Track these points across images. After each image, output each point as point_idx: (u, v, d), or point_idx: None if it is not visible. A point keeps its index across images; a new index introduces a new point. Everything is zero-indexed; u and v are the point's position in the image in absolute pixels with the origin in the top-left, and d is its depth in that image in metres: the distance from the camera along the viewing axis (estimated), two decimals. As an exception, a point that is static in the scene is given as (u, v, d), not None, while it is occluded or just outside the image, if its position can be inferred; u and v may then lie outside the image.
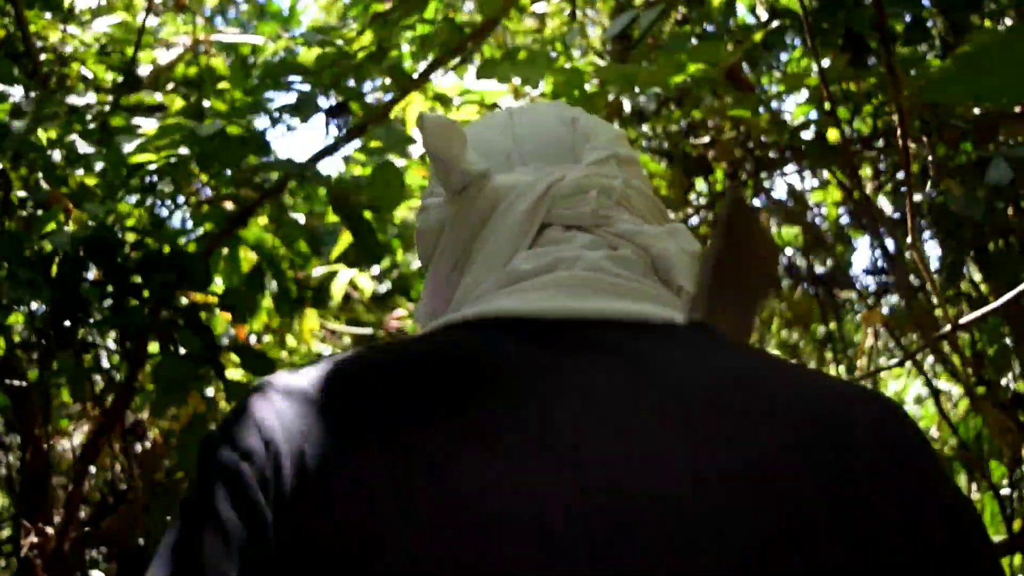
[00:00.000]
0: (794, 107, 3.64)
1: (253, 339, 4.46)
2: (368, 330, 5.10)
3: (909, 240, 2.36)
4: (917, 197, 3.95)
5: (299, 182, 2.48)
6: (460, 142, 0.92)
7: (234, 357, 2.73)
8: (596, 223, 0.92)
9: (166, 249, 2.37)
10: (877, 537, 0.73)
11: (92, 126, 2.47)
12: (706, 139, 3.27)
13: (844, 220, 4.68)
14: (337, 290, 4.49)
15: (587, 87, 3.10)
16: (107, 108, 2.92)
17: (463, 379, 0.77)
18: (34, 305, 2.79)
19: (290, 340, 4.62)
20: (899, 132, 2.77)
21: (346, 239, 3.50)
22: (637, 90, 3.18)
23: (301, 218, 2.88)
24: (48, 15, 3.59)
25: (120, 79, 3.42)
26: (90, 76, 3.59)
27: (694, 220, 4.31)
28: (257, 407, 0.77)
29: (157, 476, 3.18)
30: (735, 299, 0.99)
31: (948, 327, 2.98)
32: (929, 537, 0.75)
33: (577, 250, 0.89)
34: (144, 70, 3.84)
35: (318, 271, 4.61)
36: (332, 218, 3.69)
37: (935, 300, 3.44)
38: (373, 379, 0.77)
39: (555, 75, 2.97)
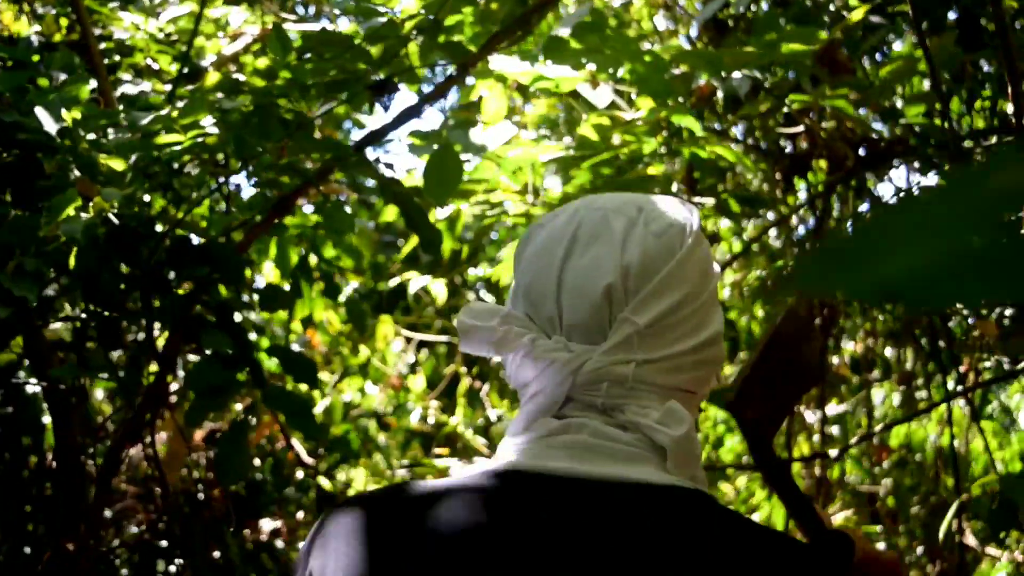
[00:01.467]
0: (902, 100, 3.34)
1: (319, 343, 4.29)
2: (443, 337, 4.91)
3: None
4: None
5: (343, 168, 2.26)
6: (496, 320, 1.14)
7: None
8: (606, 410, 1.10)
9: (197, 240, 2.18)
10: None
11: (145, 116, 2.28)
12: (800, 128, 2.98)
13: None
14: (437, 291, 4.31)
15: (674, 70, 2.85)
16: (163, 98, 2.76)
17: (484, 538, 1.03)
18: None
19: (364, 346, 4.45)
20: (1016, 123, 2.47)
21: (414, 240, 3.29)
22: (728, 75, 2.92)
23: (347, 207, 2.67)
24: (113, 4, 3.47)
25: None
26: (155, 67, 3.46)
27: (793, 220, 4.03)
28: (314, 554, 1.09)
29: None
30: (770, 395, 1.26)
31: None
32: None
33: (587, 422, 1.10)
34: (209, 61, 3.70)
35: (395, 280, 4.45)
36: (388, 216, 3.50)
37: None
38: (419, 525, 1.04)
39: (635, 61, 2.73)
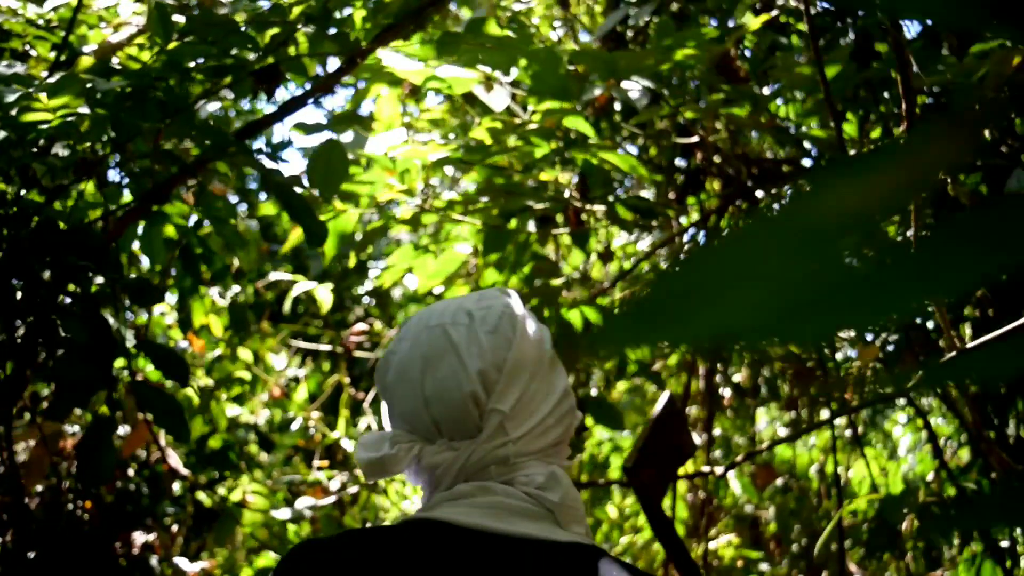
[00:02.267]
0: (795, 118, 3.35)
1: (199, 348, 4.15)
2: (326, 346, 4.79)
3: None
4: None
5: (222, 157, 2.17)
6: (395, 448, 1.31)
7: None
8: (501, 482, 1.28)
9: (62, 225, 2.06)
10: None
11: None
12: (695, 139, 2.96)
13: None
14: (323, 297, 4.19)
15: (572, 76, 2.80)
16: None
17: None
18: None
19: (244, 353, 4.32)
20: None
21: (297, 235, 3.19)
22: (626, 85, 2.89)
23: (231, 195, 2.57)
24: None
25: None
26: (34, 53, 3.31)
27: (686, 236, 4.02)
28: None
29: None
30: (658, 465, 1.65)
31: (952, 354, 2.66)
32: None
33: (494, 486, 1.28)
34: (91, 49, 3.56)
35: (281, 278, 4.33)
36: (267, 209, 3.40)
37: (941, 328, 3.14)
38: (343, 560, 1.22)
39: (530, 59, 2.68)
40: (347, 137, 2.89)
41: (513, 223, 2.82)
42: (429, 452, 1.30)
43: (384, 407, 1.39)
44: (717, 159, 3.05)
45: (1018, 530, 4.11)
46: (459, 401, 1.29)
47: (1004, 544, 3.90)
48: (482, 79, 2.89)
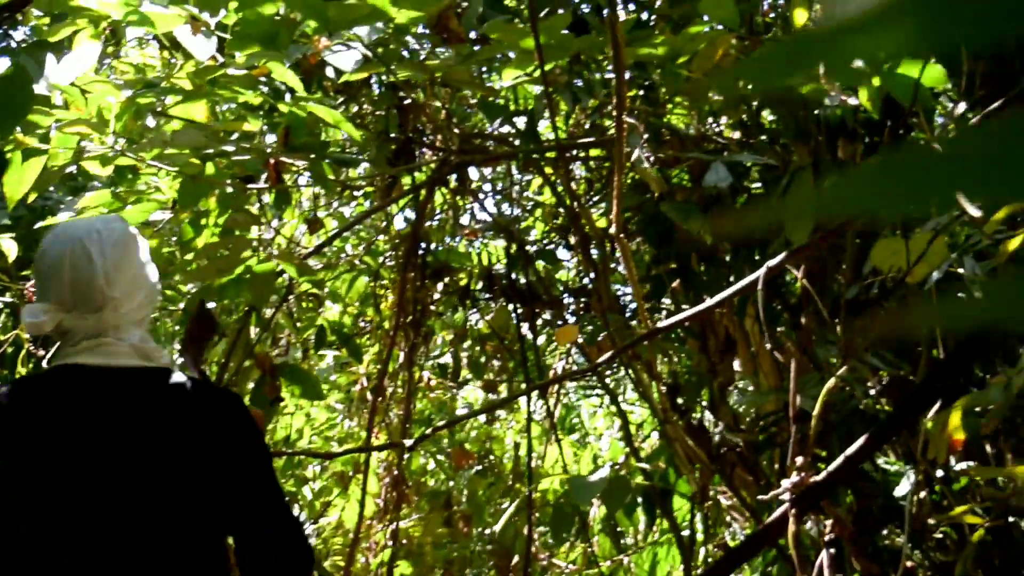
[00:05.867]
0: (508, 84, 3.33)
1: None
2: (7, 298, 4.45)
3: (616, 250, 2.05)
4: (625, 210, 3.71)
5: None
6: (47, 315, 1.91)
7: None
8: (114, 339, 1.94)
9: None
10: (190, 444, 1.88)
11: None
12: (408, 100, 2.88)
13: (555, 236, 4.45)
14: (7, 247, 3.84)
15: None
16: None
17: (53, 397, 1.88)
18: None
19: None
20: (616, 115, 2.47)
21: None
22: (340, 48, 2.77)
23: None
24: None
25: None
26: None
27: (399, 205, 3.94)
28: None
29: None
30: (195, 348, 2.79)
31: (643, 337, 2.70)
32: (218, 439, 1.90)
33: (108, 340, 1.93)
34: None
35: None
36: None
37: (638, 312, 3.19)
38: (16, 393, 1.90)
39: (239, 2, 2.54)
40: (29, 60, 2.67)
41: (211, 168, 2.66)
42: (68, 319, 1.90)
43: (40, 287, 1.95)
44: (430, 128, 2.98)
45: (699, 516, 4.25)
46: (90, 289, 1.89)
47: (685, 532, 4.03)
48: (187, 19, 2.72)
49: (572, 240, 4.04)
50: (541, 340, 4.61)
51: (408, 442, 2.91)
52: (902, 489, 2.78)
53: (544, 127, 3.85)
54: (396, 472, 4.43)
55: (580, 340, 3.87)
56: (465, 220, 4.42)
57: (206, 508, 1.88)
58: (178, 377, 1.95)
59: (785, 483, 2.21)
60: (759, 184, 3.36)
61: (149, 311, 2.03)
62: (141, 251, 2.01)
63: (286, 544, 1.89)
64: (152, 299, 2.02)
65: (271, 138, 3.06)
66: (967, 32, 0.39)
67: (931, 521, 2.81)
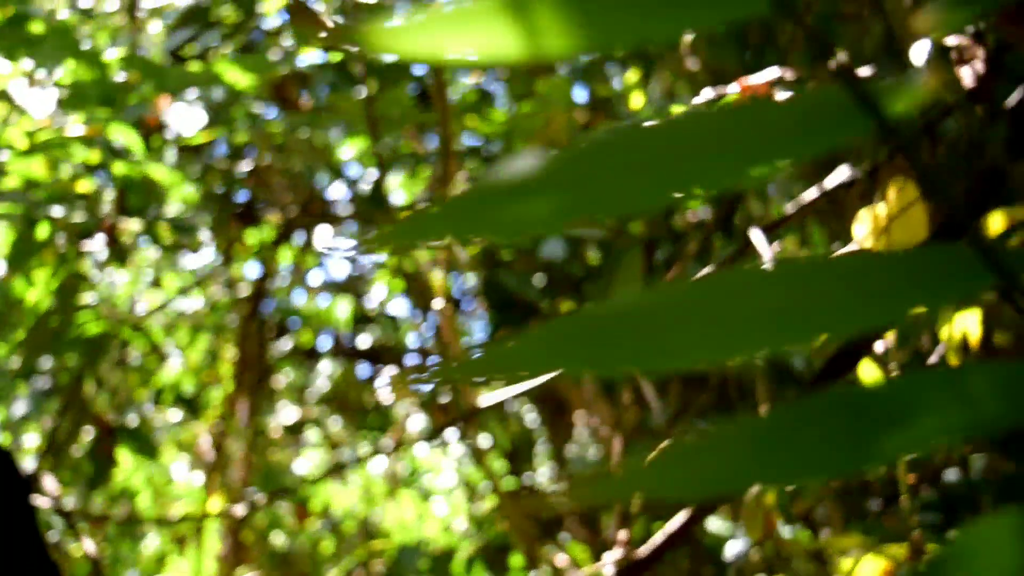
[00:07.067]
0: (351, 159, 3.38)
1: None
2: None
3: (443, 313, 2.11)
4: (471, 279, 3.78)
5: None
6: None
7: None
8: None
9: None
10: None
11: None
12: (247, 167, 2.90)
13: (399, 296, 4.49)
14: None
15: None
16: None
17: None
18: None
19: None
20: (441, 187, 2.54)
21: None
22: (182, 109, 2.79)
23: None
24: None
25: None
26: None
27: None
28: None
29: None
30: None
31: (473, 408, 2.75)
32: None
33: None
34: None
35: None
36: None
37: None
38: None
39: (77, 59, 2.54)
40: None
41: (44, 228, 2.64)
42: None
43: None
44: (269, 192, 3.01)
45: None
46: None
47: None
48: (23, 74, 2.72)
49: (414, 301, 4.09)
50: (386, 398, 4.63)
51: (240, 508, 2.91)
52: (731, 552, 2.86)
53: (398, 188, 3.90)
54: (235, 531, 4.39)
55: (420, 398, 3.90)
56: (313, 279, 4.43)
57: None
58: None
59: (607, 556, 2.24)
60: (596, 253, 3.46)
61: None
62: None
63: None
64: None
65: (111, 196, 3.05)
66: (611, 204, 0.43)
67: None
